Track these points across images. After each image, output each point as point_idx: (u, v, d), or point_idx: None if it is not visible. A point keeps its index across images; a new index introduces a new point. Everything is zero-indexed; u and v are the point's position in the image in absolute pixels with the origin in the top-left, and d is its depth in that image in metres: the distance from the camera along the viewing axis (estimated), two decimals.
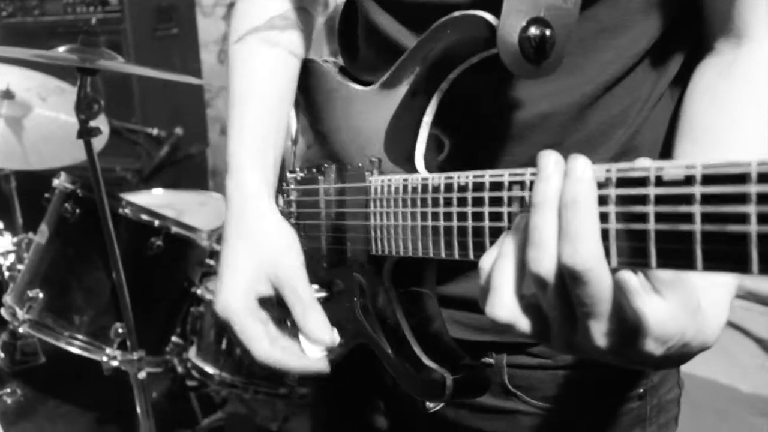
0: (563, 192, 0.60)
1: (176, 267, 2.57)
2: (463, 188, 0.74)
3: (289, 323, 0.99)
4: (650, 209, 0.56)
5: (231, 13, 1.17)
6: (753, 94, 0.85)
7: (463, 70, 0.83)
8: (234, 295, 0.98)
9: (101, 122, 2.70)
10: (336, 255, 1.00)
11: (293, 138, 1.13)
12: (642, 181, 0.57)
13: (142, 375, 2.31)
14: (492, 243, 0.70)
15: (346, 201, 0.98)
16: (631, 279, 0.60)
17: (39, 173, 2.77)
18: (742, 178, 0.50)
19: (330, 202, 1.01)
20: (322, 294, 1.00)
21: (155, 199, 3.36)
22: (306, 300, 0.96)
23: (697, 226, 0.53)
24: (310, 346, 0.97)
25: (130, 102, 4.15)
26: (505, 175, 0.70)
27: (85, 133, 2.14)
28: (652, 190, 0.56)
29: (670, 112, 0.95)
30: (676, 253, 0.54)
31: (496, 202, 0.70)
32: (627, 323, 0.61)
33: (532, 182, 0.65)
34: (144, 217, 2.45)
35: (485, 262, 0.68)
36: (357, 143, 0.98)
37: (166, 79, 2.86)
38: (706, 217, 0.52)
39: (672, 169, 0.55)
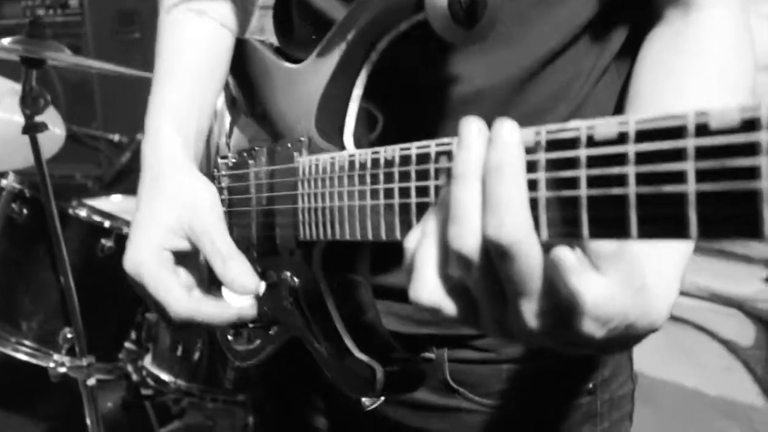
0: (487, 159, 0.55)
1: None
2: (389, 163, 0.68)
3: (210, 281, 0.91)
4: (581, 173, 0.51)
5: None
6: (702, 65, 0.81)
7: (396, 40, 0.78)
8: (144, 249, 0.89)
9: (57, 125, 2.63)
10: (266, 243, 0.94)
11: (227, 131, 1.06)
12: (573, 142, 0.51)
13: (91, 382, 2.22)
14: (420, 221, 0.64)
15: (275, 184, 0.91)
16: (568, 257, 0.54)
17: None
18: (678, 132, 0.45)
19: (260, 186, 0.95)
20: None
21: (114, 205, 3.26)
22: (224, 249, 0.87)
23: (631, 189, 0.47)
24: (236, 299, 0.89)
25: (91, 107, 4.07)
26: (431, 146, 0.64)
27: (31, 128, 2.06)
28: (583, 152, 0.51)
29: (617, 87, 0.91)
30: (609, 220, 0.49)
31: (422, 175, 0.64)
32: (561, 302, 0.55)
33: None
34: (95, 217, 2.37)
35: (409, 242, 0.62)
36: (287, 123, 0.92)
37: (127, 82, 2.80)
38: (641, 178, 0.47)
39: (604, 126, 0.50)
